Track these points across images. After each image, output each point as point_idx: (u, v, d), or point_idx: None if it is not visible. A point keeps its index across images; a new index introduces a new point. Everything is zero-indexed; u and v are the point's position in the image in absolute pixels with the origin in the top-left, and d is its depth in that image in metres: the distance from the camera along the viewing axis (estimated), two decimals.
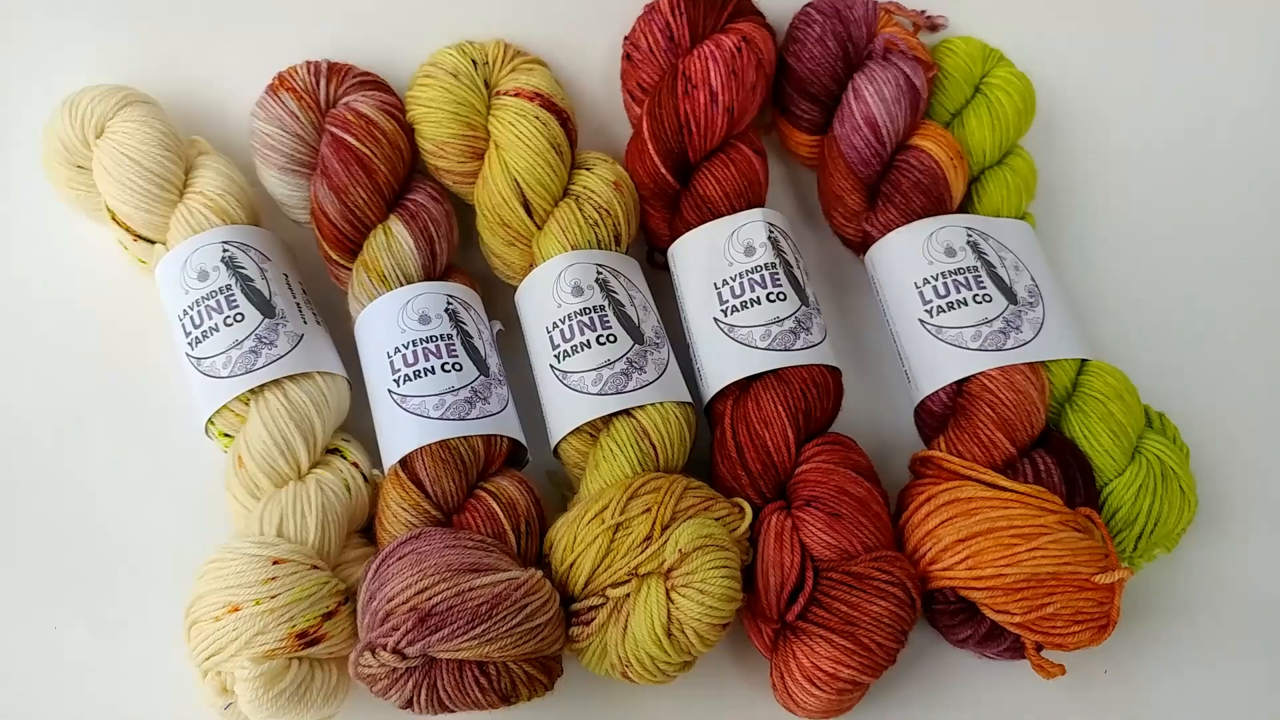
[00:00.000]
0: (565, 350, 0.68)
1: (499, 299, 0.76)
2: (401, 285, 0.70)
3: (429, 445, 0.65)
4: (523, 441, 0.69)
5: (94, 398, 0.75)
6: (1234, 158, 0.84)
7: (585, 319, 0.68)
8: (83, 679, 0.67)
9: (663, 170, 0.73)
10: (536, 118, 0.72)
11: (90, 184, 0.72)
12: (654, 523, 0.60)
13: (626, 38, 0.77)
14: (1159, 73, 0.86)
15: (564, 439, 0.68)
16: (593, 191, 0.72)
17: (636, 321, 0.69)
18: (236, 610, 0.58)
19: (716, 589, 0.58)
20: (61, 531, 0.71)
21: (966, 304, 0.71)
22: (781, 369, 0.68)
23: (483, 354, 0.69)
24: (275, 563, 0.60)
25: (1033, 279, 0.72)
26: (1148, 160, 0.85)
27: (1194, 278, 0.81)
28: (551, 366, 0.69)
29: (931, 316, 0.71)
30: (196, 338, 0.68)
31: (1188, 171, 0.84)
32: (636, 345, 0.68)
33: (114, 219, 0.72)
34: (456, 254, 0.75)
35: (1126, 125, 0.85)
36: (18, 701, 0.67)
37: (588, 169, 0.74)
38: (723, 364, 0.69)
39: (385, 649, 0.56)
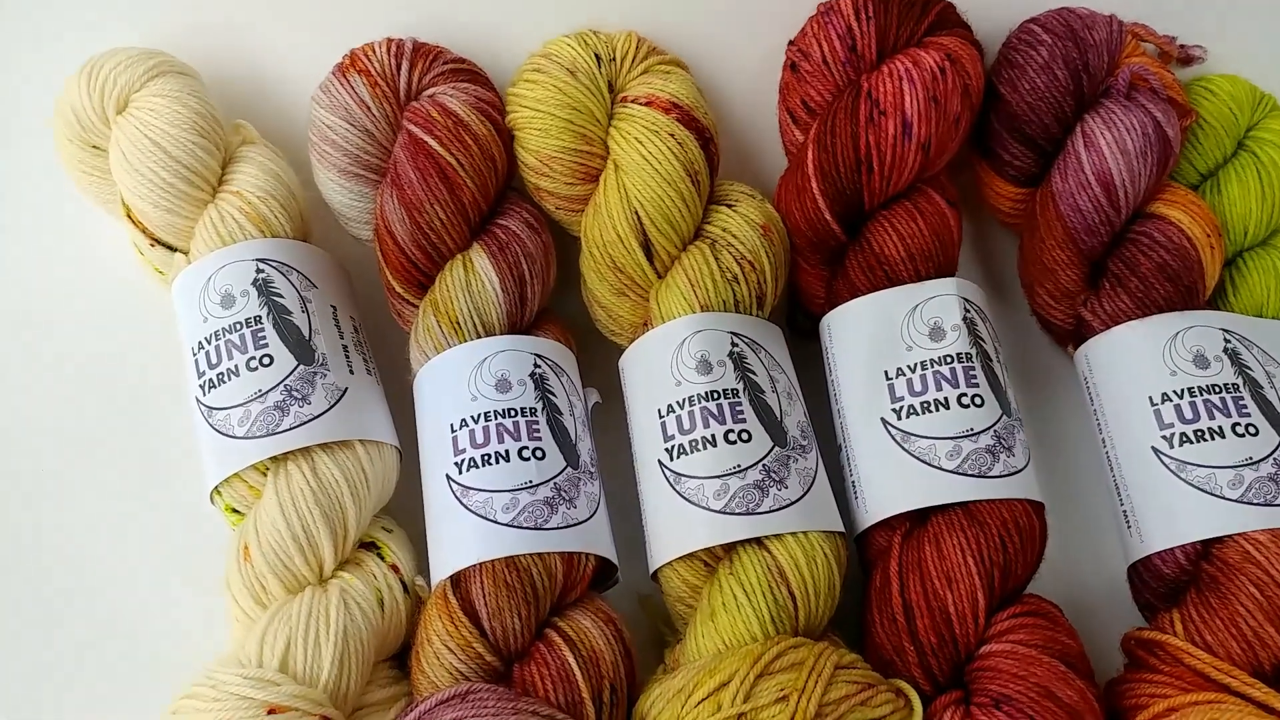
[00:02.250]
0: (682, 445, 0.55)
1: (599, 358, 0.64)
2: (479, 336, 0.58)
3: (492, 561, 0.51)
4: (614, 560, 0.55)
5: (94, 429, 0.65)
6: None
7: (713, 406, 0.55)
8: None
9: (827, 216, 0.60)
10: (672, 135, 0.60)
11: (106, 169, 0.61)
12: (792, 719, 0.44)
13: (792, 43, 0.65)
14: None
15: (669, 564, 0.54)
16: (734, 236, 0.60)
17: (779, 415, 0.56)
18: None
19: None
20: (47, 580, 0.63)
21: (1224, 434, 0.57)
22: (973, 502, 0.53)
23: (573, 438, 0.56)
24: (271, 712, 0.46)
25: None
26: None
27: None
28: (661, 463, 0.55)
29: (1172, 447, 0.57)
30: (211, 380, 0.56)
31: None
32: (777, 448, 0.55)
33: (129, 216, 0.61)
34: (550, 296, 0.63)
35: None
36: None
37: (729, 206, 0.61)
38: (892, 484, 0.56)
39: None
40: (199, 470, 0.58)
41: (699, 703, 0.47)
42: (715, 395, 0.55)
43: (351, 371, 0.58)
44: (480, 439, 0.54)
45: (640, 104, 0.61)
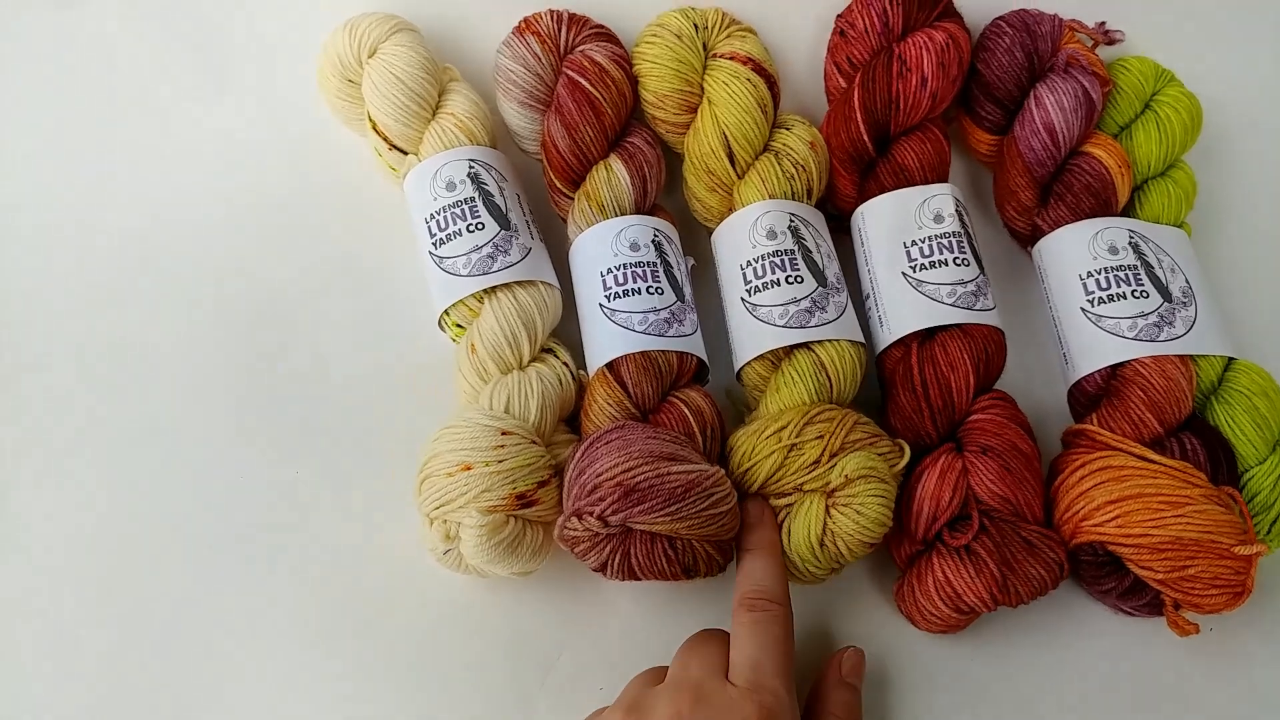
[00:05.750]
0: (756, 286, 0.75)
1: (693, 239, 0.82)
2: (617, 216, 0.76)
3: (633, 354, 0.71)
4: (707, 363, 0.76)
5: (339, 281, 0.83)
6: None
7: (777, 260, 0.75)
8: (312, 518, 0.76)
9: (865, 138, 0.79)
10: (748, 79, 0.77)
11: (357, 96, 0.80)
12: (825, 449, 0.67)
13: (841, 15, 0.83)
14: None
15: (748, 363, 0.75)
16: (791, 149, 0.78)
17: (821, 267, 0.76)
18: (469, 469, 0.66)
19: (872, 513, 0.66)
20: (306, 394, 0.80)
21: (1125, 297, 0.76)
22: (965, 324, 0.75)
23: (680, 283, 0.76)
24: (504, 434, 0.67)
25: (1187, 281, 0.77)
26: None
27: None
28: (742, 300, 0.75)
29: (1093, 306, 0.76)
30: (441, 239, 0.75)
31: None
32: (820, 287, 0.75)
33: (374, 128, 0.80)
34: (661, 194, 0.82)
35: None
36: (255, 530, 0.76)
37: (787, 129, 0.80)
38: (911, 313, 0.75)
39: (591, 516, 0.64)
40: (422, 311, 0.77)
41: (767, 437, 0.67)
42: (779, 253, 0.74)
43: (532, 238, 0.76)
44: (621, 280, 0.73)
45: (726, 58, 0.78)
